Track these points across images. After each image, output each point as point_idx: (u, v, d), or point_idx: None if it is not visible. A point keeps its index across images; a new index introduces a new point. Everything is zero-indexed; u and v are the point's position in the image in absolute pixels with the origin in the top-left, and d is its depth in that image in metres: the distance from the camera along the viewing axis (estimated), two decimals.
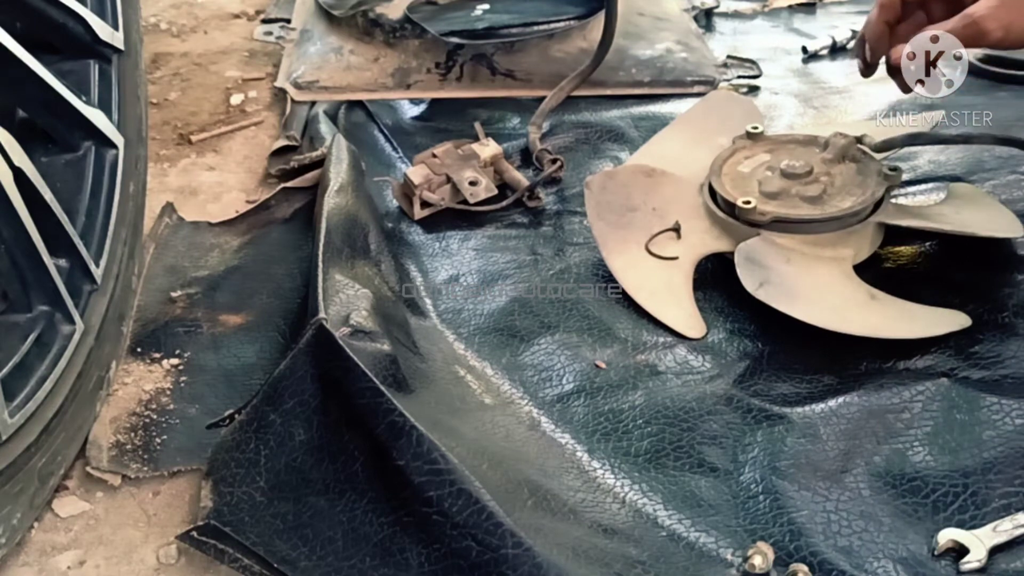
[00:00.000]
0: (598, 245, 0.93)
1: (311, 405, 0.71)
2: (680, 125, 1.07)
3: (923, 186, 1.00)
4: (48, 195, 0.72)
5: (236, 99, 1.29)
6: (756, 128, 0.97)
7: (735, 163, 0.95)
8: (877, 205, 0.89)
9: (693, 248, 0.91)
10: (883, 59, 0.89)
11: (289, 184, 1.06)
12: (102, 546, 0.72)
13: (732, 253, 0.88)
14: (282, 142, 1.14)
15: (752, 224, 0.88)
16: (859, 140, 0.92)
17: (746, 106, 1.10)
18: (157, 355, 0.87)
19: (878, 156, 0.92)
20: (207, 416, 0.78)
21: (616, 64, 1.24)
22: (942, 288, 0.86)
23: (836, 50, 1.32)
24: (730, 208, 0.90)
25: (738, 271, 0.85)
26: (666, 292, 0.89)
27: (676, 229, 0.92)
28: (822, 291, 0.84)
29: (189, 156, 1.18)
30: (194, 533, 0.69)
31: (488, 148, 1.06)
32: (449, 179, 1.03)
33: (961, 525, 0.67)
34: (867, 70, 0.92)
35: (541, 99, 1.18)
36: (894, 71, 0.85)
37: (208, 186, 1.13)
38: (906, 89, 0.86)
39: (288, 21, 1.42)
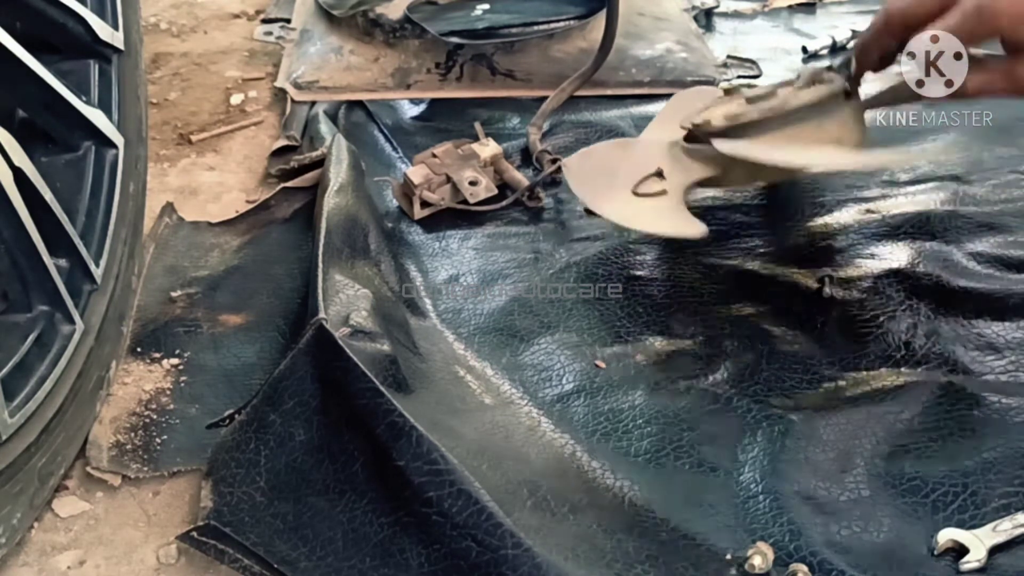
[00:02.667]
0: (585, 204, 0.93)
1: (311, 405, 0.71)
2: (656, 124, 1.07)
3: (923, 186, 1.00)
4: (48, 195, 0.72)
5: (236, 99, 1.29)
6: (730, 84, 0.96)
7: (708, 110, 0.95)
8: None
9: (679, 181, 0.91)
10: None
11: (289, 184, 1.06)
12: (102, 546, 0.72)
13: (717, 178, 0.88)
14: (282, 142, 1.14)
15: (718, 135, 0.88)
16: (830, 68, 0.90)
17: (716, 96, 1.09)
18: (157, 355, 0.87)
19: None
20: (207, 416, 0.78)
21: (616, 64, 1.24)
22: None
23: (836, 50, 1.32)
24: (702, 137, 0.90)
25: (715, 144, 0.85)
26: (659, 212, 0.89)
27: (659, 173, 0.92)
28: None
29: (189, 156, 1.18)
30: (194, 533, 0.69)
31: (488, 148, 1.06)
32: (449, 179, 1.03)
33: (961, 525, 0.67)
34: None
35: (541, 99, 1.18)
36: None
37: (208, 186, 1.13)
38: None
39: (288, 21, 1.42)
